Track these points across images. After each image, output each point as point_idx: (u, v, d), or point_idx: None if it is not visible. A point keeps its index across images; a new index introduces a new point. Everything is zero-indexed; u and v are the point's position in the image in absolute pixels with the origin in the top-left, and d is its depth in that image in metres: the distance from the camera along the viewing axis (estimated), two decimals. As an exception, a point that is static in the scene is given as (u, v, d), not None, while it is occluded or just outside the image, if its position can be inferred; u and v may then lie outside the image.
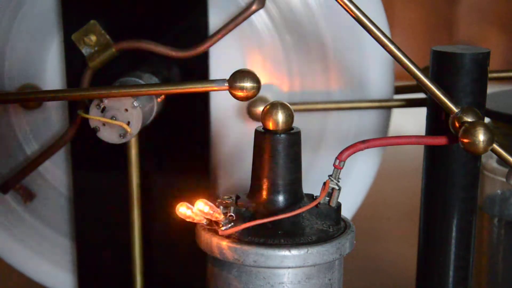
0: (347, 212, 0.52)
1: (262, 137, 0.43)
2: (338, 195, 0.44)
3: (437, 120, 0.52)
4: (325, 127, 0.62)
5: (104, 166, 0.61)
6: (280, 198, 0.43)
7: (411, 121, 0.86)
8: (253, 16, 0.58)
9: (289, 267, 0.41)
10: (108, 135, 0.51)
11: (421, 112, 0.55)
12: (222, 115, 0.61)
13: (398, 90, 0.64)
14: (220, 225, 0.42)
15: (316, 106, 0.61)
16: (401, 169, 1.11)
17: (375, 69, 0.61)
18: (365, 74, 0.61)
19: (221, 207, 0.42)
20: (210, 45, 0.57)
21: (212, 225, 0.43)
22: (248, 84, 0.46)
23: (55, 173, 0.63)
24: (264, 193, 0.43)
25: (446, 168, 0.52)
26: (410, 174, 0.96)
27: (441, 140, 0.46)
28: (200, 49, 0.57)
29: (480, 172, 0.54)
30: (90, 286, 0.64)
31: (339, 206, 0.44)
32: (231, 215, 0.42)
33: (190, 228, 0.46)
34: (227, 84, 0.47)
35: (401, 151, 0.84)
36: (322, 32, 0.60)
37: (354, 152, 0.44)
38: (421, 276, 0.55)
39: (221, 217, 0.42)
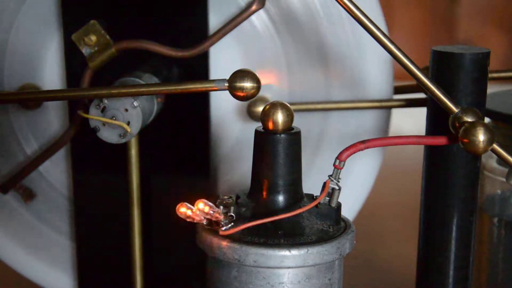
0: (348, 212, 0.52)
1: (262, 137, 0.43)
2: (338, 195, 0.44)
3: (437, 120, 0.52)
4: (325, 127, 0.62)
5: (104, 166, 0.61)
6: (280, 198, 0.43)
7: (411, 121, 0.86)
8: (253, 16, 0.58)
9: (289, 267, 0.41)
10: (108, 135, 0.51)
11: (421, 112, 0.55)
12: (222, 115, 0.61)
13: (398, 90, 0.64)
14: (220, 225, 0.42)
15: (316, 106, 0.61)
16: (401, 169, 1.11)
17: (375, 69, 0.61)
18: (364, 74, 0.61)
19: (221, 207, 0.42)
20: (210, 45, 0.57)
21: (212, 225, 0.43)
22: (248, 84, 0.46)
23: (55, 173, 0.63)
24: (264, 193, 0.43)
25: (446, 168, 0.52)
26: (410, 174, 0.96)
27: (441, 140, 0.46)
28: (200, 49, 0.57)
29: (480, 172, 0.54)
30: (90, 286, 0.64)
31: (339, 206, 0.44)
32: (231, 215, 0.42)
33: (190, 228, 0.46)
34: (227, 84, 0.47)
35: (401, 151, 0.84)
36: (322, 32, 0.60)
37: (354, 152, 0.44)
38: (421, 276, 0.55)
39: (221, 217, 0.42)
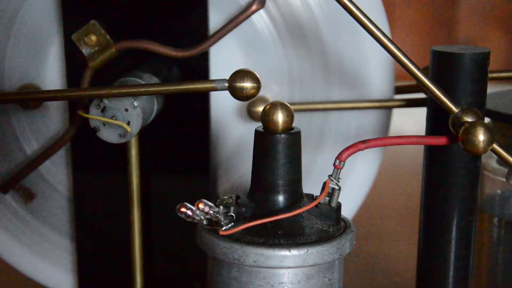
0: (347, 212, 0.52)
1: (262, 137, 0.43)
2: (338, 195, 0.44)
3: (437, 120, 0.52)
4: (325, 127, 0.62)
5: (104, 166, 0.61)
6: (280, 198, 0.43)
7: (411, 121, 0.86)
8: (253, 16, 0.58)
9: (289, 267, 0.41)
10: (108, 135, 0.51)
11: (421, 112, 0.55)
12: (222, 115, 0.61)
13: (398, 90, 0.64)
14: (220, 225, 0.42)
15: (316, 106, 0.61)
16: (401, 169, 1.11)
17: (375, 69, 0.61)
18: (365, 74, 0.61)
19: (221, 207, 0.42)
20: (210, 45, 0.57)
21: (212, 225, 0.43)
22: (248, 84, 0.46)
23: (55, 173, 0.63)
24: (264, 193, 0.43)
25: (446, 168, 0.52)
26: (410, 174, 0.96)
27: (441, 140, 0.46)
28: (200, 49, 0.57)
29: (480, 172, 0.54)
30: (90, 286, 0.64)
31: (339, 206, 0.44)
32: (231, 215, 0.42)
33: (190, 228, 0.46)
34: (227, 84, 0.47)
35: (401, 151, 0.84)
36: (322, 32, 0.60)
37: (354, 152, 0.44)
38: (421, 276, 0.55)
39: (221, 217, 0.42)
